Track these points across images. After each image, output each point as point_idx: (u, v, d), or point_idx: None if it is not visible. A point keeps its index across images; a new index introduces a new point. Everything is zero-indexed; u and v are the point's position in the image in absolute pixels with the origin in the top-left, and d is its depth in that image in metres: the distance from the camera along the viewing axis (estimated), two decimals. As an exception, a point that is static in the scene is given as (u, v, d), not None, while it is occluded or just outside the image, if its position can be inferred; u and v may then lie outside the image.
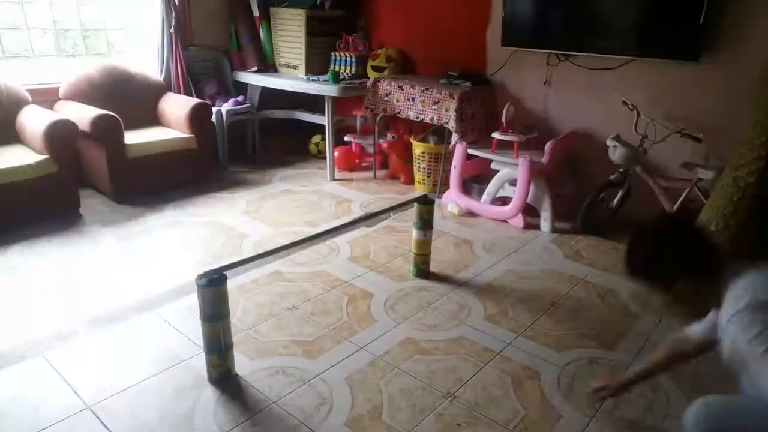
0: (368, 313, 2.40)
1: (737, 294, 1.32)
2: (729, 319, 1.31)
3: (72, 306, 2.38)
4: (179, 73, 4.18)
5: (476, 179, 3.94)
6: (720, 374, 2.04)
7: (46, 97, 3.72)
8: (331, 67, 4.47)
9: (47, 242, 2.98)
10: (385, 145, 4.16)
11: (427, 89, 3.70)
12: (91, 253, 2.88)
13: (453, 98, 3.55)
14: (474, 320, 2.36)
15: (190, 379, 1.93)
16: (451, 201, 3.66)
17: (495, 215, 3.52)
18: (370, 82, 4.01)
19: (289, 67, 4.54)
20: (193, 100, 3.93)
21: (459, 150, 3.59)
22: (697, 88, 3.06)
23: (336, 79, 4.08)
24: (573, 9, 3.36)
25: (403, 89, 3.82)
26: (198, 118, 3.86)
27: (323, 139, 4.64)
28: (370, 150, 4.45)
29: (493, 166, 3.60)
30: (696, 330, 1.57)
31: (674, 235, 1.46)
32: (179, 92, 4.19)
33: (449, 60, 4.05)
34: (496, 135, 3.45)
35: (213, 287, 1.78)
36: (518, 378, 1.99)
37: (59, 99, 3.76)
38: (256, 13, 4.55)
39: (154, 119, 4.10)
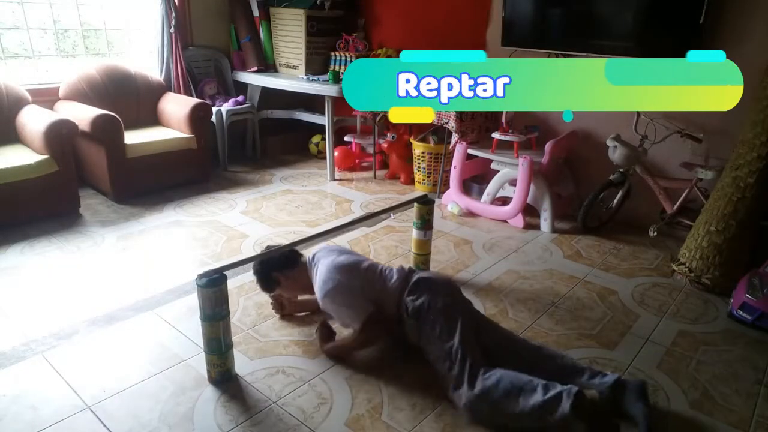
0: (368, 313, 2.39)
1: (319, 275, 2.08)
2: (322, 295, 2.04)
3: (72, 306, 2.38)
4: (179, 73, 4.18)
5: (476, 179, 3.94)
6: (720, 374, 2.04)
7: (46, 97, 3.72)
8: (331, 67, 4.47)
9: (47, 242, 2.98)
10: (385, 145, 4.16)
11: (427, 89, 3.69)
12: (91, 253, 2.88)
13: (453, 98, 3.54)
14: (474, 320, 2.35)
15: (190, 379, 1.93)
16: (451, 201, 3.66)
17: (495, 215, 3.52)
18: (370, 82, 4.01)
19: (289, 67, 4.54)
20: (193, 100, 3.93)
21: (459, 150, 3.59)
22: (697, 88, 3.06)
23: (336, 79, 4.08)
24: (573, 9, 3.36)
25: (403, 89, 3.82)
26: (198, 118, 3.86)
27: (323, 139, 4.65)
28: (370, 150, 4.45)
29: (493, 166, 3.60)
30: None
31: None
32: (179, 92, 4.19)
33: (449, 60, 4.04)
34: (496, 135, 3.45)
35: (213, 287, 1.78)
36: (518, 378, 1.99)
37: (59, 99, 3.77)
38: (256, 13, 4.55)
39: (154, 119, 4.11)
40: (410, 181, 4.22)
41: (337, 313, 2.07)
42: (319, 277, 2.09)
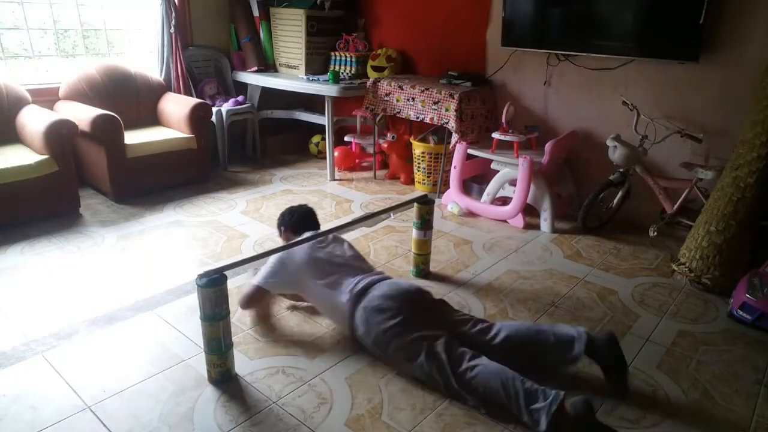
0: (368, 313, 2.39)
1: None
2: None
3: (72, 306, 2.38)
4: (179, 73, 4.18)
5: (476, 179, 3.94)
6: (720, 374, 2.04)
7: (46, 97, 3.72)
8: (331, 67, 4.48)
9: (47, 242, 2.98)
10: (385, 145, 4.16)
11: (427, 89, 3.70)
12: (91, 253, 2.88)
13: (453, 98, 3.55)
14: (474, 320, 2.35)
15: (190, 379, 1.93)
16: (451, 201, 3.66)
17: (495, 215, 3.52)
18: (370, 82, 4.01)
19: (289, 67, 4.54)
20: (193, 100, 3.93)
21: (459, 150, 3.59)
22: (697, 88, 3.06)
23: (336, 79, 4.08)
24: (573, 9, 3.36)
25: (403, 89, 3.82)
26: (198, 118, 3.86)
27: (323, 139, 4.65)
28: (370, 150, 4.45)
29: (493, 166, 3.60)
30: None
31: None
32: (179, 92, 4.19)
33: (449, 60, 4.05)
34: (496, 135, 3.45)
35: (213, 287, 1.78)
36: (518, 378, 1.99)
37: (59, 99, 3.77)
38: (256, 13, 4.55)
39: (154, 119, 4.11)
40: (410, 181, 4.22)
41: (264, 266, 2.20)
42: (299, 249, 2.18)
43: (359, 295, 2.02)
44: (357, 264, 2.22)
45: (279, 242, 2.55)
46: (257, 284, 2.15)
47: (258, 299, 2.20)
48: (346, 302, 2.03)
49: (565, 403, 1.62)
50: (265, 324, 2.28)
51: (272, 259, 2.16)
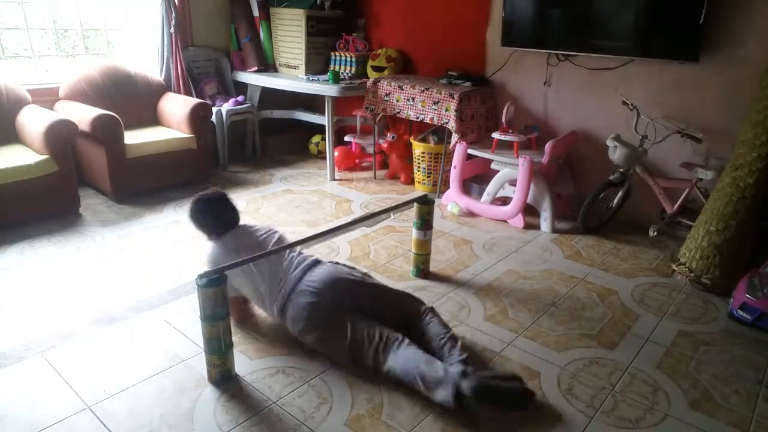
0: (368, 313, 2.39)
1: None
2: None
3: (72, 306, 2.38)
4: (179, 73, 4.18)
5: (476, 179, 3.94)
6: (720, 374, 2.04)
7: (46, 97, 3.72)
8: (331, 67, 4.48)
9: (47, 242, 2.98)
10: (385, 145, 4.16)
11: (427, 89, 3.70)
12: (91, 253, 2.88)
13: (453, 98, 3.55)
14: (474, 320, 2.36)
15: (190, 379, 1.93)
16: (451, 201, 3.66)
17: (495, 215, 3.52)
18: (370, 82, 4.01)
19: (289, 67, 4.54)
20: (193, 100, 3.93)
21: (459, 150, 3.59)
22: (697, 88, 3.06)
23: (336, 79, 4.08)
24: (573, 9, 3.36)
25: (403, 89, 3.83)
26: (198, 118, 3.86)
27: (323, 139, 4.65)
28: (370, 150, 4.45)
29: (493, 166, 3.60)
30: None
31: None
32: (179, 92, 4.19)
33: (449, 60, 4.05)
34: (496, 135, 3.45)
35: (213, 287, 1.78)
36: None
37: (59, 99, 3.77)
38: (256, 13, 4.55)
39: (154, 119, 4.11)
40: (410, 181, 4.22)
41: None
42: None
43: (292, 280, 2.06)
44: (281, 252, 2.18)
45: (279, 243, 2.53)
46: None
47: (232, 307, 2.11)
48: (276, 286, 2.07)
49: (462, 389, 1.70)
50: (248, 321, 2.30)
51: (211, 254, 2.19)
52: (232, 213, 2.31)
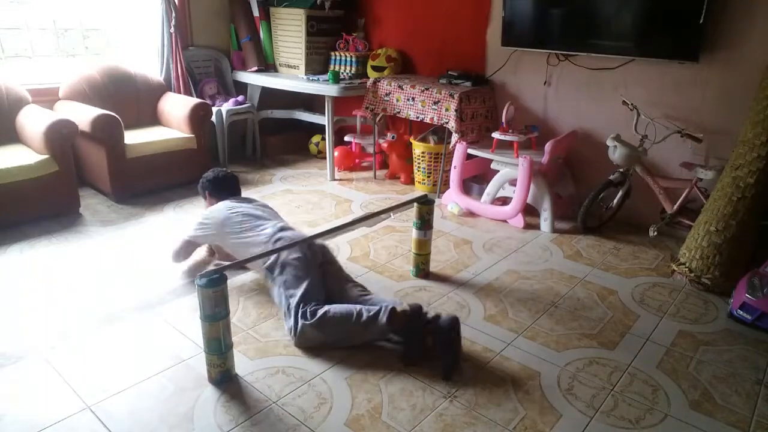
0: (368, 313, 2.39)
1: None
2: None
3: (72, 306, 2.38)
4: (179, 73, 4.18)
5: (476, 179, 3.94)
6: (720, 374, 2.04)
7: (46, 97, 3.72)
8: (331, 66, 4.48)
9: (47, 242, 2.98)
10: (385, 145, 4.16)
11: (427, 89, 3.70)
12: (91, 253, 2.88)
13: (453, 98, 3.55)
14: (474, 320, 2.36)
15: (190, 379, 1.93)
16: (451, 201, 3.66)
17: (495, 215, 3.52)
18: (370, 82, 4.01)
19: (289, 66, 4.54)
20: (193, 100, 3.93)
21: (459, 150, 3.59)
22: (697, 88, 3.06)
23: (336, 79, 4.08)
24: (573, 9, 3.36)
25: (403, 89, 3.83)
26: (198, 117, 3.86)
27: (323, 139, 4.65)
28: (370, 150, 4.45)
29: (493, 166, 3.60)
30: None
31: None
32: (179, 92, 4.19)
33: (449, 60, 4.05)
34: (496, 135, 3.45)
35: (213, 287, 1.78)
36: (518, 378, 1.99)
37: (59, 99, 3.77)
38: (256, 13, 4.55)
39: (154, 119, 4.11)
40: (410, 181, 4.22)
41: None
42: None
43: (278, 240, 2.28)
44: (273, 215, 2.57)
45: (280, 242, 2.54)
46: (185, 239, 2.51)
47: (188, 251, 2.55)
48: (267, 236, 2.30)
49: (396, 309, 2.00)
50: (203, 265, 2.63)
51: (197, 218, 2.51)
52: (238, 191, 2.75)
